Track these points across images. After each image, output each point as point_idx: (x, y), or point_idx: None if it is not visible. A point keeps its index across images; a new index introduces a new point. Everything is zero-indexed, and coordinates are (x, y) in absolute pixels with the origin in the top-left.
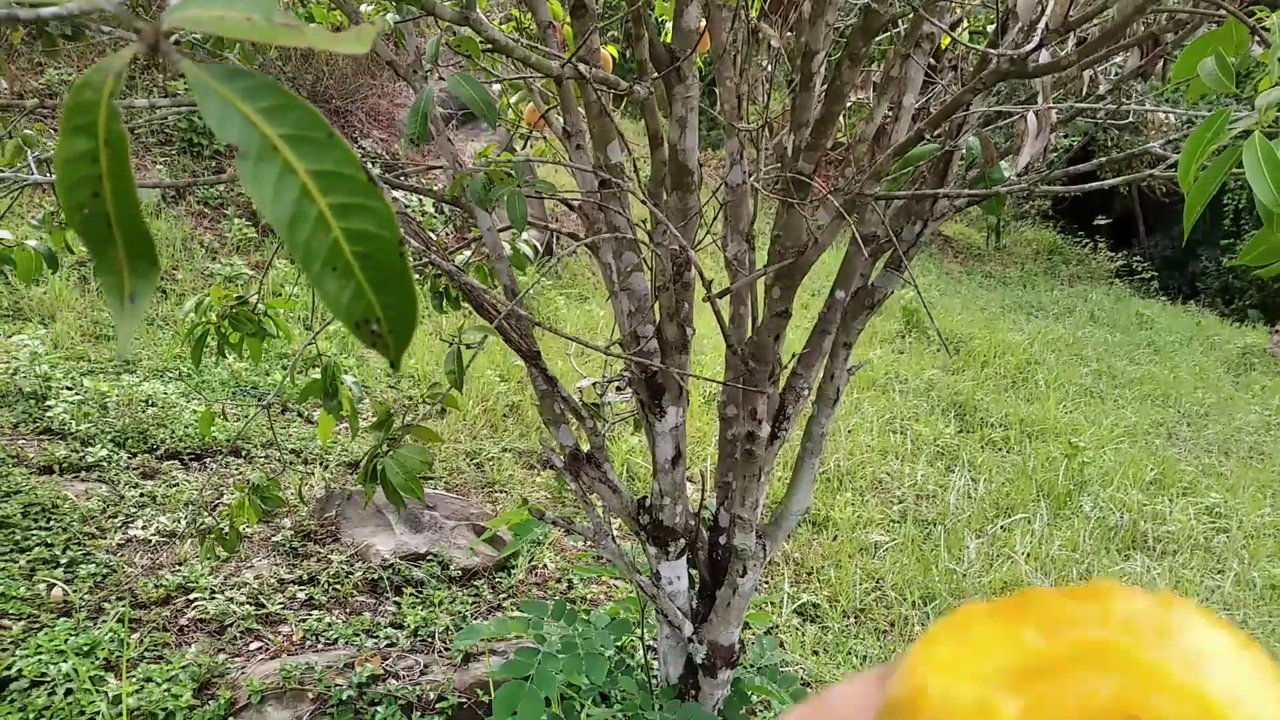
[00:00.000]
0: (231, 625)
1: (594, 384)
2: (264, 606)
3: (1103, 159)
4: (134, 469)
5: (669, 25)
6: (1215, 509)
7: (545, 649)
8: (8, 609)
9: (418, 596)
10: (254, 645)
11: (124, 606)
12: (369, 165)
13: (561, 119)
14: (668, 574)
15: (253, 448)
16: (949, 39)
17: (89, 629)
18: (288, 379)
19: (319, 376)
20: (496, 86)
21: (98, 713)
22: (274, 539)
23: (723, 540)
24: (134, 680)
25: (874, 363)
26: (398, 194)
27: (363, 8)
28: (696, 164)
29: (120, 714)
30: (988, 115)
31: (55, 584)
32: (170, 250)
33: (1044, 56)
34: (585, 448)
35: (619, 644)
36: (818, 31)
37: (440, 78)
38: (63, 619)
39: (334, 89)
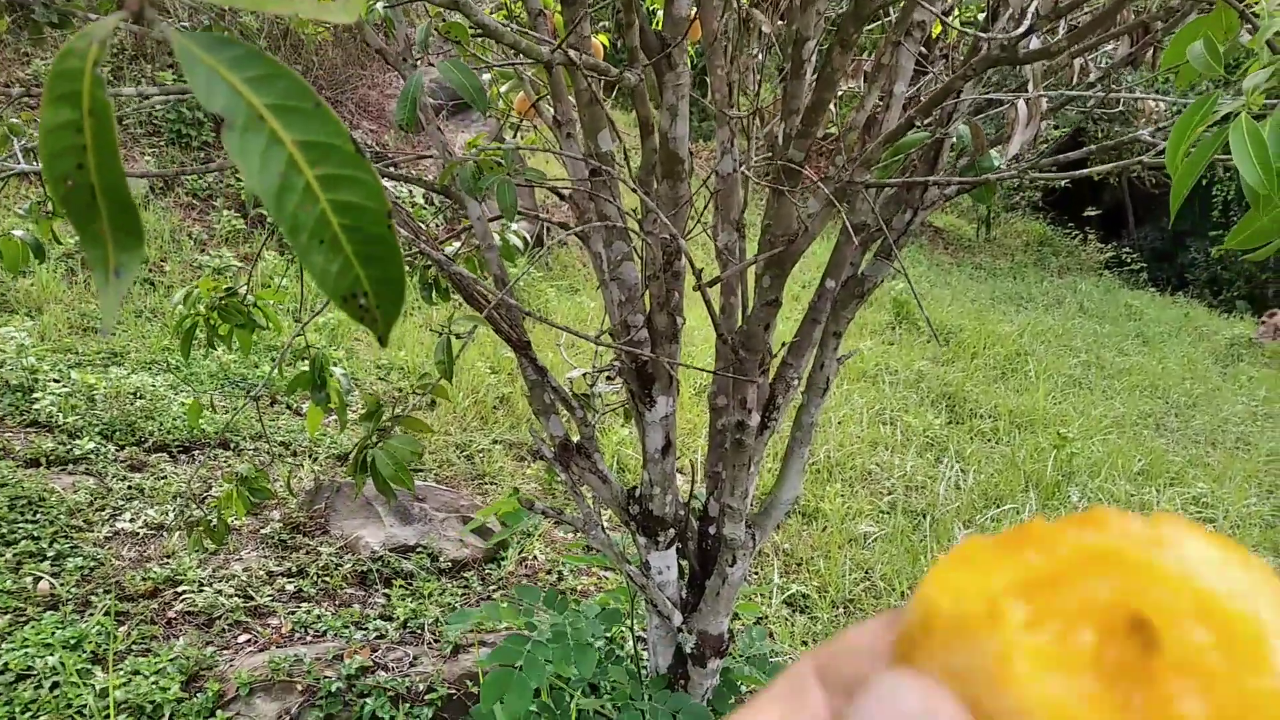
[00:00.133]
0: (220, 618)
1: (584, 374)
2: (252, 599)
3: (1092, 147)
4: (122, 461)
5: (660, 13)
6: (1202, 499)
7: (535, 637)
8: None
9: (407, 588)
10: (242, 637)
11: (111, 599)
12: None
13: (552, 108)
14: (657, 564)
15: (241, 440)
16: (940, 27)
17: (76, 622)
18: (276, 371)
19: (307, 369)
20: (487, 76)
21: (85, 706)
22: (263, 531)
23: (712, 530)
24: (121, 673)
25: (864, 354)
26: (388, 184)
27: None
28: (687, 152)
29: (108, 707)
30: (978, 103)
31: (42, 577)
32: (158, 242)
33: (1034, 43)
34: (575, 438)
35: (609, 634)
36: (808, 18)
37: (430, 64)
38: (49, 612)
39: (323, 79)
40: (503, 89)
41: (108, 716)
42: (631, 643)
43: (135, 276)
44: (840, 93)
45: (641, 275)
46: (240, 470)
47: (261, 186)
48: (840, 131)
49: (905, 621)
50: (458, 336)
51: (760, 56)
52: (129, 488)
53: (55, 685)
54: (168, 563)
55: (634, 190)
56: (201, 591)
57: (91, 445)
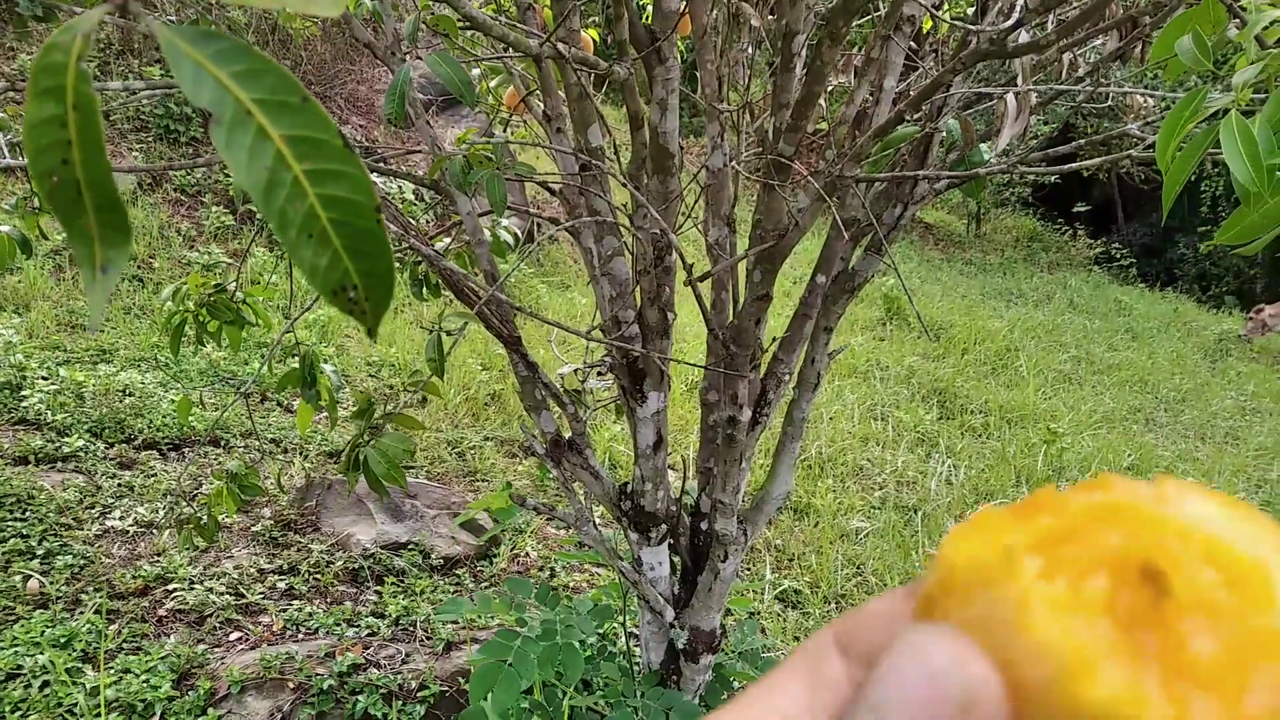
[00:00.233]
0: (211, 615)
1: (575, 370)
2: (244, 596)
3: (1081, 141)
4: (111, 459)
5: (650, 7)
6: None
7: (525, 633)
8: None
9: (399, 585)
10: (234, 635)
11: (101, 597)
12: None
13: (542, 103)
14: (649, 560)
15: (231, 437)
16: (930, 21)
17: (66, 620)
18: (266, 368)
19: (297, 366)
20: (476, 70)
21: (75, 704)
22: (253, 529)
23: (704, 526)
24: (112, 671)
25: (855, 350)
26: (377, 179)
27: None
28: (677, 147)
29: (98, 706)
30: (968, 98)
31: (31, 575)
32: (147, 238)
33: (1023, 37)
34: (567, 434)
35: (601, 630)
36: (798, 12)
37: (419, 58)
38: (39, 610)
39: (312, 75)
40: (492, 83)
41: (99, 715)
42: (624, 639)
43: (122, 273)
44: (830, 88)
45: (632, 270)
46: (230, 467)
47: (250, 181)
48: (830, 126)
49: (923, 586)
50: (448, 334)
51: (750, 51)
52: (118, 485)
53: (45, 684)
54: (158, 560)
55: (624, 185)
56: (192, 589)
57: (80, 443)
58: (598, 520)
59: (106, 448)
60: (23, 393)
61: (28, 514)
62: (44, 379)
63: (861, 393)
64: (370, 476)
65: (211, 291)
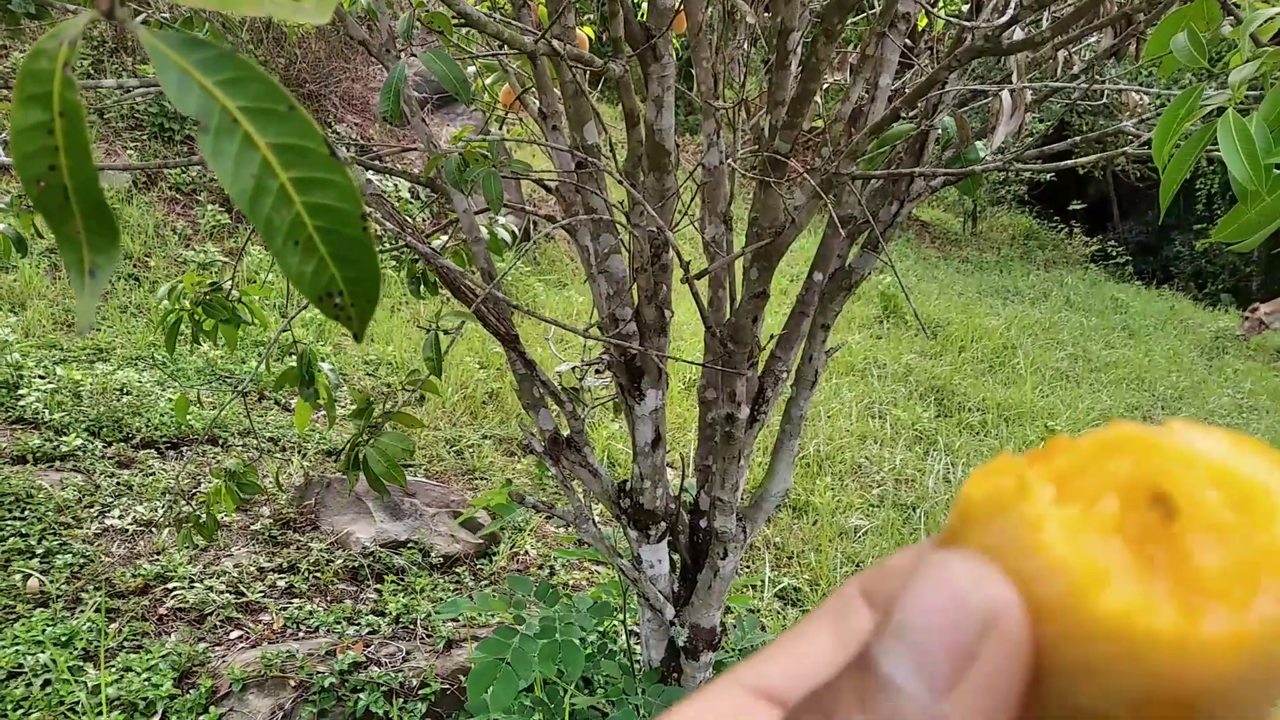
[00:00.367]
0: (211, 614)
1: (573, 368)
2: (244, 595)
3: (1077, 139)
4: (109, 458)
5: (645, 4)
6: None
7: (524, 631)
8: None
9: (399, 584)
10: (234, 634)
11: (101, 596)
12: (331, 138)
13: (537, 100)
14: (649, 557)
15: (230, 436)
16: (925, 19)
17: (66, 619)
18: (263, 366)
19: (294, 364)
20: (472, 69)
21: (77, 703)
22: (253, 527)
23: (703, 523)
24: (113, 670)
25: (852, 347)
26: (372, 177)
27: None
28: (673, 144)
29: (100, 704)
30: (963, 95)
31: (31, 574)
32: (143, 237)
33: (1018, 34)
34: (565, 432)
35: (601, 628)
36: (793, 9)
37: (413, 55)
38: (39, 609)
39: (307, 73)
40: (488, 81)
41: (100, 713)
42: (624, 637)
43: (111, 277)
44: (826, 85)
45: (629, 268)
46: (229, 465)
47: (236, 189)
48: (826, 124)
49: (944, 528)
50: (445, 332)
51: (745, 48)
52: (117, 484)
53: (46, 683)
54: (158, 559)
55: (621, 182)
56: (192, 588)
57: (79, 442)
58: (597, 518)
59: (104, 446)
60: (20, 392)
61: (27, 513)
62: (41, 378)
63: (859, 390)
64: (370, 475)
65: (207, 290)
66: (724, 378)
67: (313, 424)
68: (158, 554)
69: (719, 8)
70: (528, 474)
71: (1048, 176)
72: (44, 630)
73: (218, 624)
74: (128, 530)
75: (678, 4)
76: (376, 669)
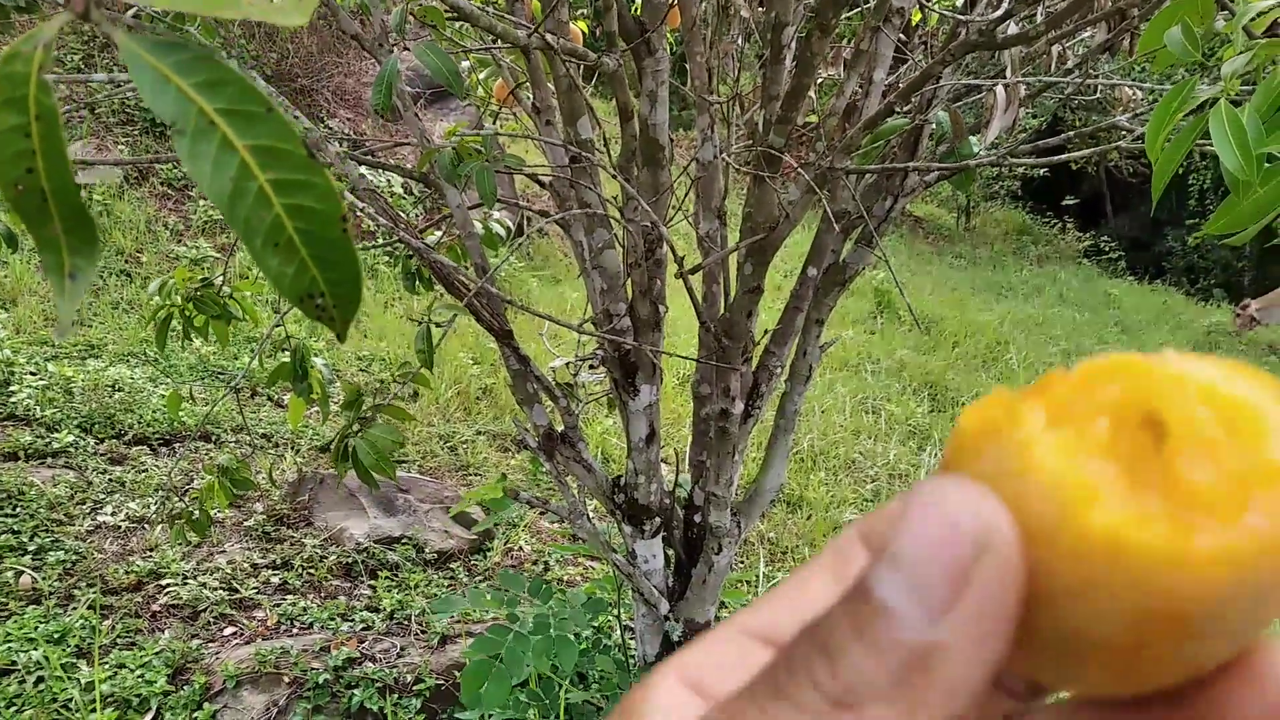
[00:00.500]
0: (205, 610)
1: (567, 364)
2: (237, 591)
3: (1071, 133)
4: (101, 454)
5: (639, 0)
6: None
7: (517, 628)
8: None
9: (393, 580)
10: (228, 630)
11: (94, 593)
12: (322, 134)
13: (531, 95)
14: (643, 552)
15: (222, 432)
16: (919, 13)
17: (59, 616)
18: (256, 362)
19: (287, 360)
20: (466, 63)
21: (70, 700)
22: (246, 524)
23: (698, 518)
24: (107, 667)
25: (846, 343)
26: (365, 172)
27: None
28: (667, 138)
29: (93, 701)
30: (957, 90)
31: (23, 571)
32: (134, 233)
33: (1012, 28)
34: (559, 428)
35: (596, 623)
36: (787, 4)
37: (407, 49)
38: (32, 606)
39: (299, 68)
40: (481, 76)
41: (94, 710)
42: (619, 632)
43: (91, 279)
44: (820, 80)
45: (623, 263)
46: (221, 462)
47: (214, 192)
48: (820, 119)
49: (939, 462)
50: (438, 325)
51: (740, 43)
52: (109, 481)
53: (40, 680)
54: (151, 556)
55: (615, 177)
56: (186, 584)
57: (70, 438)
58: (591, 513)
59: (97, 443)
60: (11, 388)
61: (18, 510)
62: (32, 374)
63: (853, 386)
64: (359, 467)
65: (198, 286)
66: (718, 373)
67: (306, 420)
68: (150, 550)
69: (713, 2)
70: (522, 470)
71: (1041, 172)
72: (36, 627)
73: (211, 620)
74: (120, 527)
75: None
76: (371, 665)
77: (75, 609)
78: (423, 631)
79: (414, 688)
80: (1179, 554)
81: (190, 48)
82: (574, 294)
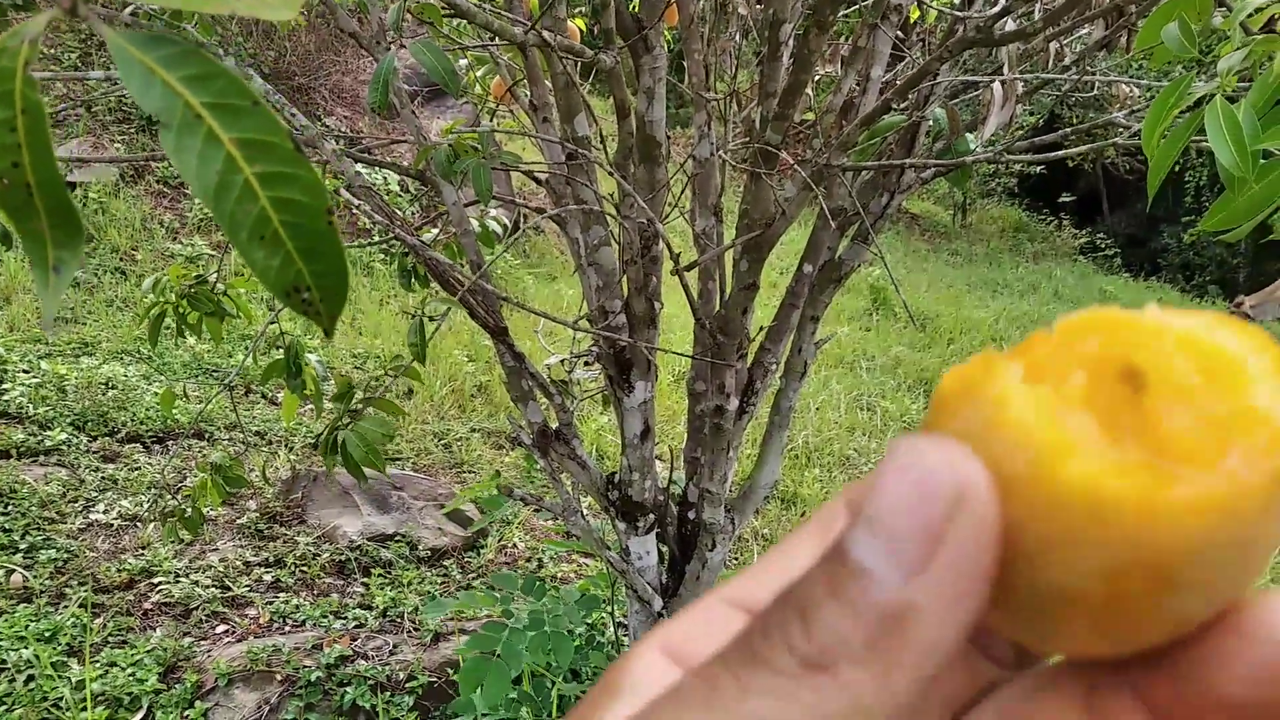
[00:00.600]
0: (197, 609)
1: (562, 360)
2: (230, 589)
3: (1067, 130)
4: (94, 452)
5: None
6: None
7: (512, 624)
8: None
9: (386, 577)
10: (220, 628)
11: (86, 591)
12: (320, 131)
13: (528, 92)
14: (637, 549)
15: (216, 430)
16: (917, 10)
17: (50, 614)
18: (250, 359)
19: (282, 356)
20: (464, 61)
21: (61, 698)
22: (239, 521)
23: (691, 515)
24: (98, 665)
25: (841, 340)
26: (361, 169)
27: None
28: (664, 136)
29: (84, 699)
30: (954, 87)
31: (14, 569)
32: (129, 230)
33: (1009, 25)
34: (554, 425)
35: (589, 620)
36: (785, 1)
37: (402, 45)
38: (23, 605)
39: (296, 66)
40: (479, 73)
41: (84, 709)
42: (612, 629)
43: (75, 272)
44: (817, 77)
45: (619, 260)
46: (215, 459)
47: (200, 185)
48: (817, 116)
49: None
50: (431, 319)
51: (737, 40)
52: (102, 479)
53: (30, 678)
54: (143, 554)
55: (611, 174)
56: (178, 582)
57: (63, 436)
58: (585, 510)
59: (89, 441)
60: (4, 386)
61: (10, 508)
62: (25, 372)
63: (848, 382)
64: (348, 461)
65: (192, 283)
66: (713, 370)
67: (300, 418)
68: (143, 549)
69: None
70: (516, 467)
71: (1038, 169)
72: (27, 626)
73: (203, 619)
74: (112, 525)
75: None
76: (364, 662)
77: (66, 607)
78: (415, 629)
79: (406, 685)
80: (1155, 503)
81: (177, 42)
82: (570, 291)
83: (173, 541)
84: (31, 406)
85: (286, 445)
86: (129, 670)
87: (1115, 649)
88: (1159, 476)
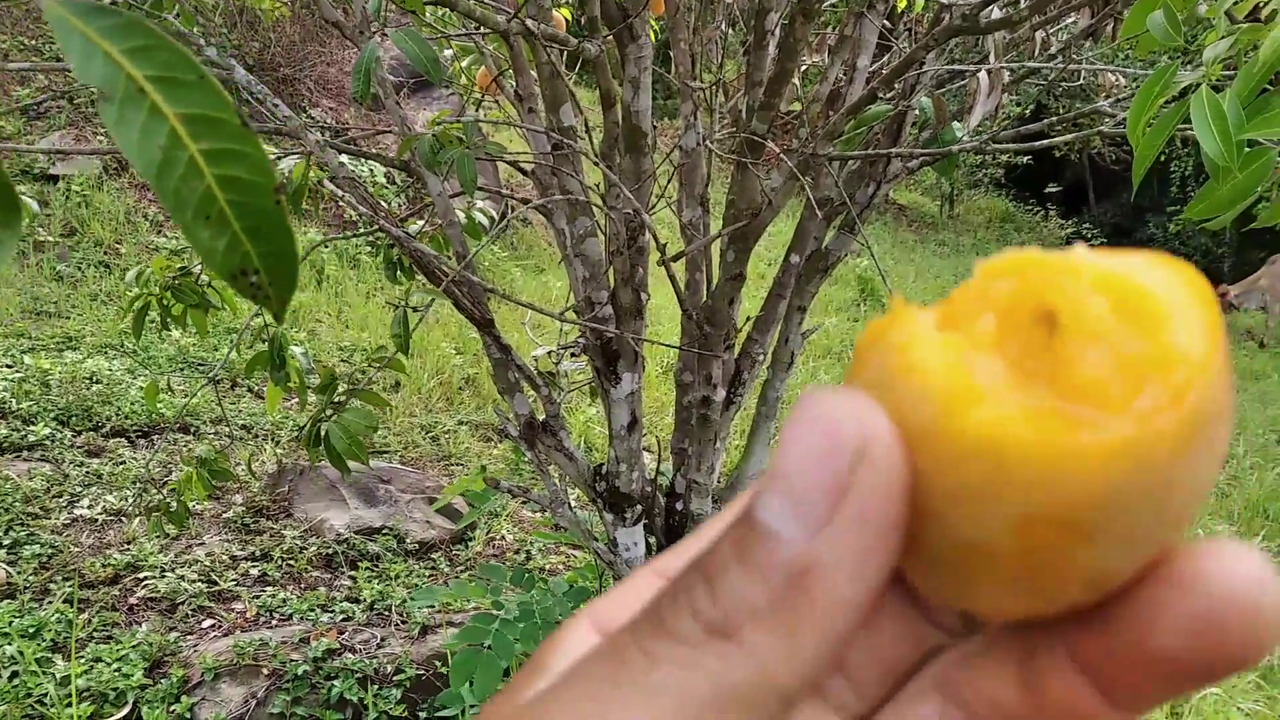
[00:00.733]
0: (183, 603)
1: (549, 352)
2: (216, 584)
3: (1053, 119)
4: (79, 447)
5: None
6: None
7: (503, 615)
8: None
9: (373, 570)
10: (207, 623)
11: (71, 587)
12: (305, 122)
13: (513, 82)
14: (624, 540)
15: (201, 424)
16: (904, 1)
17: (34, 610)
18: (235, 353)
19: (265, 348)
20: (449, 51)
21: (45, 694)
22: (225, 515)
23: (679, 506)
24: (83, 660)
25: (829, 331)
26: (346, 160)
27: None
28: (650, 125)
29: (69, 695)
30: (941, 76)
31: None
32: (113, 224)
33: (995, 13)
34: (541, 417)
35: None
36: None
37: (384, 34)
38: (6, 601)
39: (281, 57)
40: (464, 63)
41: (69, 704)
42: None
43: (13, 251)
44: (804, 67)
45: (605, 251)
46: (200, 453)
47: (142, 161)
48: (804, 105)
49: None
50: (414, 309)
51: (724, 29)
52: (86, 473)
53: (14, 675)
54: (128, 549)
55: (597, 165)
56: (163, 577)
57: (47, 431)
58: (573, 502)
59: (74, 436)
60: None
61: None
62: (8, 366)
63: (836, 373)
64: (331, 452)
65: (176, 274)
66: (700, 360)
67: (285, 411)
68: (128, 543)
69: None
70: (504, 459)
71: (1024, 159)
72: (11, 622)
73: (189, 613)
74: (97, 520)
75: None
76: (351, 656)
77: (51, 603)
78: (403, 622)
79: (394, 678)
80: (1062, 450)
81: (120, 13)
82: (558, 283)
83: (158, 536)
84: (15, 401)
85: (273, 439)
86: (114, 666)
87: (1036, 607)
88: (1067, 422)
